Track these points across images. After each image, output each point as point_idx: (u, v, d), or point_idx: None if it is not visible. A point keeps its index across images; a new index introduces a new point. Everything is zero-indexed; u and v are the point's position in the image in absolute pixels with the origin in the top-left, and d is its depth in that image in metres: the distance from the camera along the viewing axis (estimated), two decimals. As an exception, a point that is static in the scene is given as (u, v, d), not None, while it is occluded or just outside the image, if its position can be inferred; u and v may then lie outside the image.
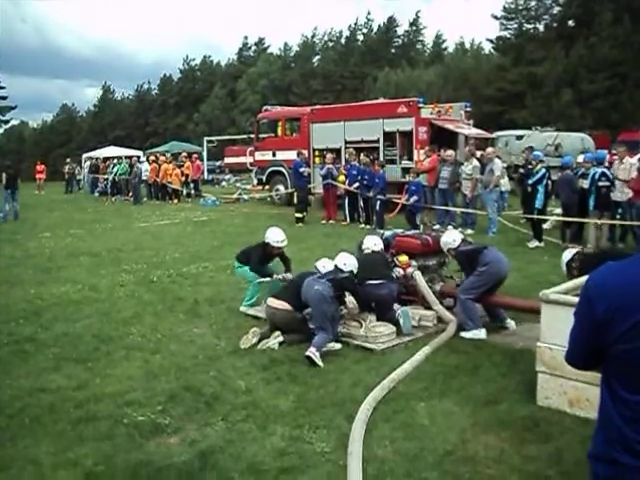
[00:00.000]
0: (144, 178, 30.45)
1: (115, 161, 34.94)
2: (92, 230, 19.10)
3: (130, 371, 6.72)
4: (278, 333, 7.56)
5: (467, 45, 68.88)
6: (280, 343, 7.44)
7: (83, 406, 5.81)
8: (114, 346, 7.63)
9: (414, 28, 74.22)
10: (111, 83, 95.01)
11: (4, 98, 79.34)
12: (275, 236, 9.06)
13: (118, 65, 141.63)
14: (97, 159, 41.12)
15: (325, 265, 8.02)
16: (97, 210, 26.52)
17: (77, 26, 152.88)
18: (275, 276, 9.05)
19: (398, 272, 8.51)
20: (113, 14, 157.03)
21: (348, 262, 7.83)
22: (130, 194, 30.92)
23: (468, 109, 21.99)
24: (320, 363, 6.72)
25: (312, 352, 6.78)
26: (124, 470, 4.66)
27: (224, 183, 39.67)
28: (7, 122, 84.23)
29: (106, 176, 34.10)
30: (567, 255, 7.63)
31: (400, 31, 74.58)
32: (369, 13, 76.79)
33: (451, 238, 8.36)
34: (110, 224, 20.59)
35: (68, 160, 42.77)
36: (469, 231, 15.53)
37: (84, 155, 45.76)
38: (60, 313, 9.26)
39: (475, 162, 17.22)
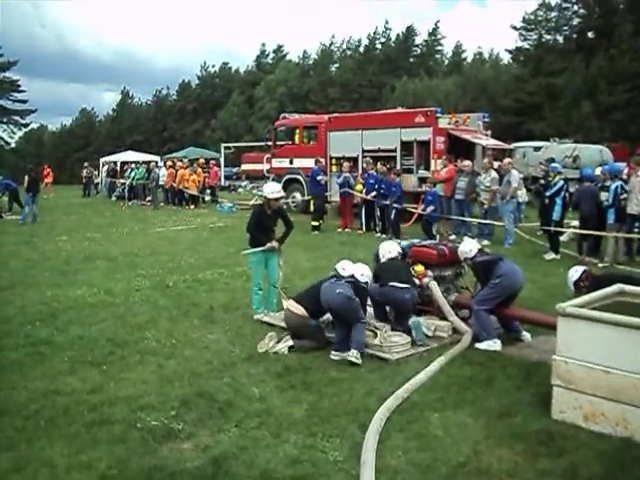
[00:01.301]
0: (161, 183, 30.60)
1: (133, 166, 35.14)
2: (109, 234, 19.20)
3: (144, 375, 6.75)
4: (288, 337, 7.60)
5: (486, 55, 68.89)
6: (290, 348, 7.47)
7: (97, 409, 5.84)
8: (129, 350, 7.67)
9: (433, 38, 74.17)
10: (130, 88, 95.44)
11: (24, 102, 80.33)
12: (269, 188, 9.17)
13: (136, 70, 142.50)
14: (115, 163, 41.40)
15: (345, 267, 7.92)
16: (114, 214, 26.66)
17: (96, 31, 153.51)
18: (268, 245, 9.03)
19: (414, 282, 8.50)
20: (132, 20, 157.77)
21: (365, 273, 7.87)
22: (147, 199, 31.13)
23: (486, 120, 21.97)
24: (359, 361, 6.97)
25: (354, 355, 7.00)
26: (137, 474, 4.67)
27: (241, 189, 39.81)
28: (27, 125, 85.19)
29: (123, 180, 34.31)
30: (574, 274, 7.60)
31: (419, 40, 74.74)
32: (387, 22, 76.91)
33: (468, 247, 8.35)
34: (127, 228, 20.69)
35: (86, 164, 43.06)
36: (485, 242, 15.48)
37: (102, 159, 45.99)
38: (76, 316, 9.31)
39: (494, 173, 17.16)
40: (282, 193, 9.15)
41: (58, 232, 19.77)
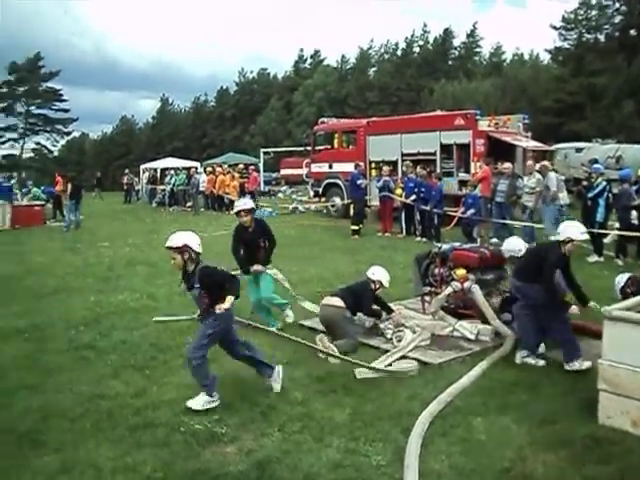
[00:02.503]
0: (201, 189, 30.85)
1: (173, 172, 35.49)
2: (150, 240, 19.35)
3: (187, 380, 6.75)
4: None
5: (525, 56, 68.04)
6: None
7: (141, 413, 5.90)
8: (171, 354, 7.74)
9: (471, 39, 73.61)
10: (169, 95, 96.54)
11: (66, 110, 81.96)
12: (238, 201, 9.41)
13: (174, 78, 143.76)
14: (155, 170, 41.85)
15: (375, 272, 8.37)
16: (155, 220, 26.93)
17: (133, 41, 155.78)
18: (254, 268, 9.15)
19: (456, 286, 8.44)
20: (167, 29, 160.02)
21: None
22: (187, 204, 31.44)
23: (526, 121, 21.75)
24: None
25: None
26: (181, 478, 4.72)
27: (280, 194, 39.98)
28: (69, 134, 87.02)
29: (164, 187, 34.66)
30: (620, 281, 7.54)
31: (457, 43, 74.23)
32: (425, 25, 76.03)
33: (517, 247, 8.21)
34: (167, 234, 20.79)
35: (127, 171, 43.64)
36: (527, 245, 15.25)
37: (142, 166, 46.51)
38: (118, 321, 9.44)
39: (538, 175, 16.87)
40: (247, 206, 8.85)
41: (100, 238, 20.05)
